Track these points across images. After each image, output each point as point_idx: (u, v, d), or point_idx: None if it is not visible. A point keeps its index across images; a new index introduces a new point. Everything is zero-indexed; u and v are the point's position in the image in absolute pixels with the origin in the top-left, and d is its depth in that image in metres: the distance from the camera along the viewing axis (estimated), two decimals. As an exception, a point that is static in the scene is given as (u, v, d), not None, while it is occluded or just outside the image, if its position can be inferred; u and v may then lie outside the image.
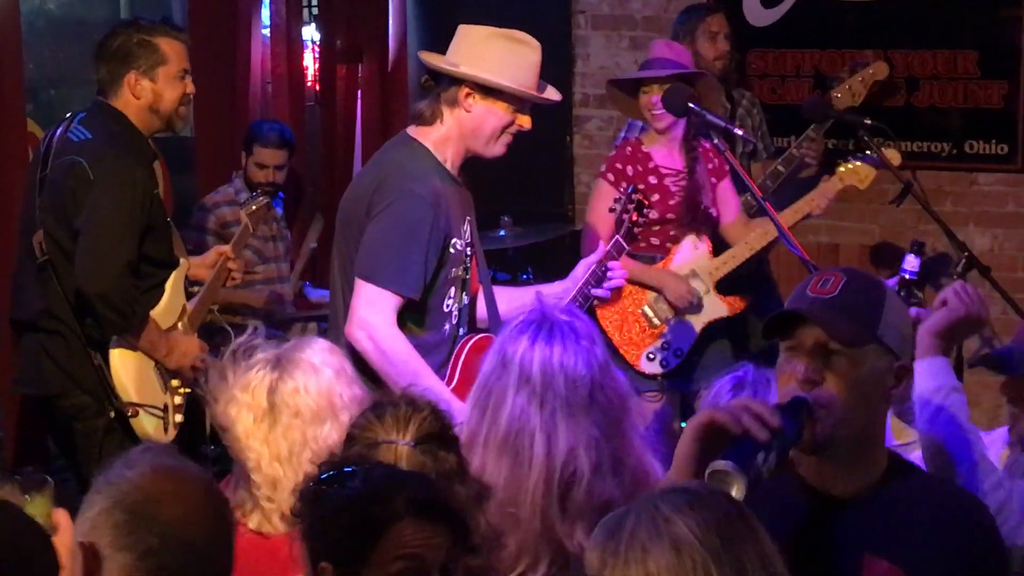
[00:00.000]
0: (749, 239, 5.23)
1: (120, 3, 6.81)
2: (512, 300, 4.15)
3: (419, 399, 2.56)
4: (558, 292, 4.07)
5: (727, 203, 5.31)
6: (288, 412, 2.78)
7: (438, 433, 2.49)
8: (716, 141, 4.04)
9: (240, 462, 2.82)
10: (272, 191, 6.02)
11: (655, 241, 5.20)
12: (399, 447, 2.45)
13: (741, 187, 5.23)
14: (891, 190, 5.43)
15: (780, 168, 5.82)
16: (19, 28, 5.28)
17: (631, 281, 5.14)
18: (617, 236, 4.11)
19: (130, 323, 4.19)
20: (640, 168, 5.15)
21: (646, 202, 4.18)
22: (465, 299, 3.98)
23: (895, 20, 6.30)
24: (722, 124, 4.13)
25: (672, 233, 5.18)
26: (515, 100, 3.82)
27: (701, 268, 5.19)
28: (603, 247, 4.09)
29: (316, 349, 2.90)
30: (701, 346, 5.21)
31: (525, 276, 6.39)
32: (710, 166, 5.23)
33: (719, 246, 5.29)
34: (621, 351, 5.14)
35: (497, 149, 3.89)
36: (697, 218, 5.20)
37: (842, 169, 5.30)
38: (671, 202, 5.15)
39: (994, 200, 6.28)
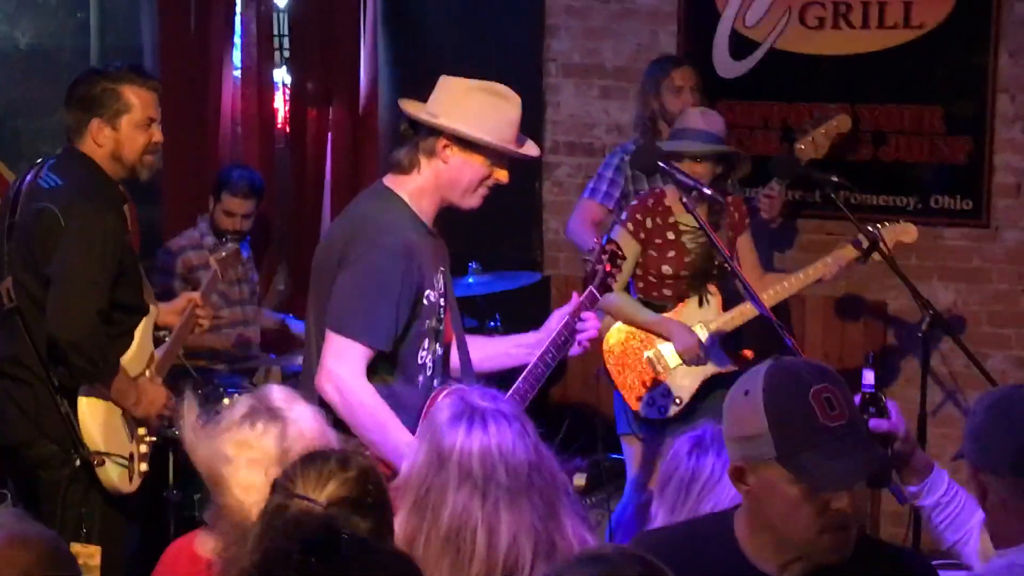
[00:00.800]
0: (744, 308, 5.27)
1: (90, 36, 6.80)
2: (484, 349, 4.15)
3: (353, 458, 2.52)
4: (531, 342, 4.06)
5: (744, 258, 5.36)
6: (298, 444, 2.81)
7: (355, 498, 2.44)
8: (684, 200, 4.07)
9: (238, 522, 2.78)
10: (239, 239, 6.02)
11: (668, 292, 5.27)
12: (310, 505, 2.43)
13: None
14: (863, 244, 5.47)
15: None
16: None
17: (642, 327, 5.19)
18: (591, 287, 4.11)
19: (102, 371, 4.16)
20: (660, 222, 5.20)
21: (619, 253, 4.19)
22: (439, 350, 3.96)
23: (863, 75, 6.35)
24: (691, 183, 4.17)
25: (684, 287, 5.24)
26: (493, 154, 3.82)
27: (709, 322, 5.22)
28: (576, 298, 4.08)
29: (284, 395, 2.92)
30: (703, 396, 5.23)
31: (493, 323, 6.39)
32: (728, 220, 5.28)
33: (730, 299, 5.32)
34: (621, 392, 5.20)
35: (473, 201, 3.89)
36: (710, 272, 5.24)
37: (848, 248, 5.36)
38: (686, 259, 5.21)
39: (959, 255, 6.32)
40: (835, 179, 5.43)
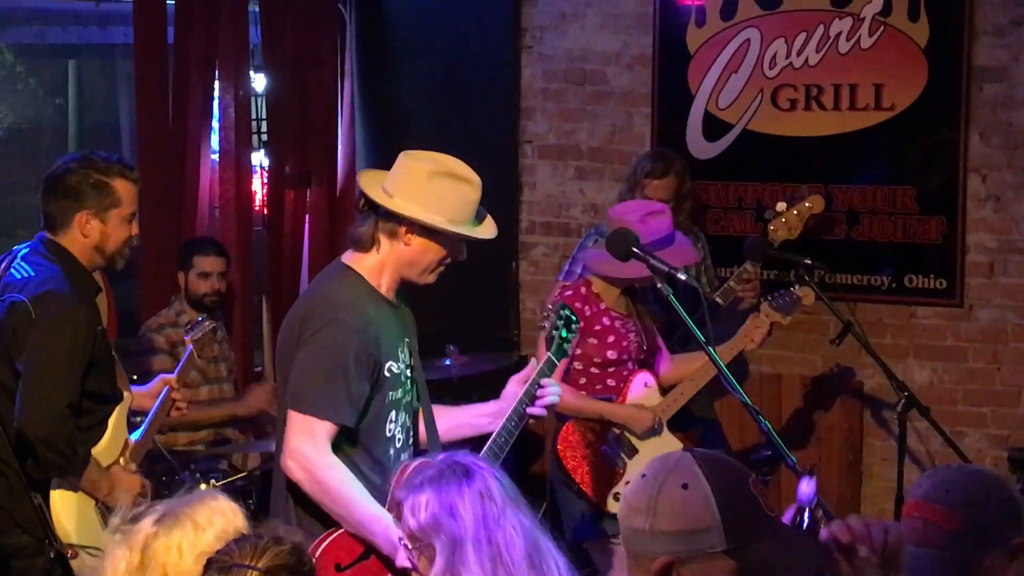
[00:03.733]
0: (694, 375, 5.27)
1: (68, 115, 6.84)
2: (445, 420, 4.14)
3: (286, 536, 2.56)
4: (491, 411, 4.08)
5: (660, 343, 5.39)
6: (157, 571, 2.67)
7: (292, 566, 2.48)
8: (660, 286, 4.08)
9: None
10: (217, 301, 6.05)
11: (611, 383, 5.22)
12: (249, 572, 2.43)
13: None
14: (833, 323, 5.51)
15: (719, 300, 5.88)
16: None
17: (595, 420, 5.17)
18: (548, 353, 4.12)
19: (73, 465, 4.13)
20: (595, 309, 5.19)
21: (575, 317, 4.21)
22: (408, 422, 3.97)
23: (835, 155, 6.42)
24: (666, 269, 4.18)
25: (624, 374, 5.22)
26: (452, 238, 3.85)
27: (653, 407, 5.22)
28: (533, 364, 4.09)
29: (209, 506, 2.77)
30: None
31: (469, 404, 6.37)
32: (655, 309, 5.30)
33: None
34: (589, 494, 5.14)
35: (429, 279, 3.91)
36: (647, 359, 5.25)
37: (764, 307, 5.36)
38: (623, 343, 5.19)
39: (933, 334, 6.36)
40: (808, 261, 5.46)
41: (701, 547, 2.29)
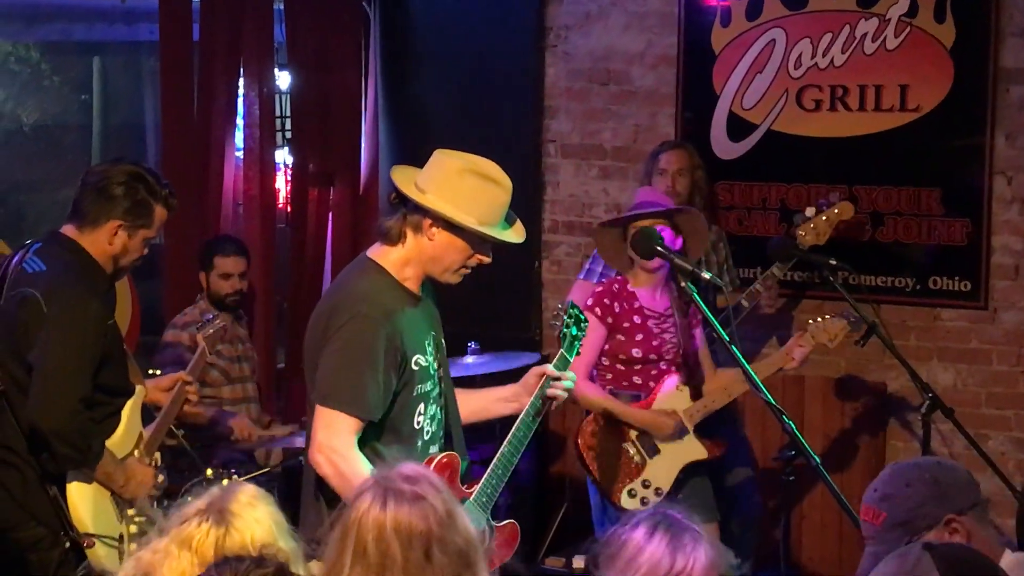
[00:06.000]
0: (728, 386, 5.27)
1: (93, 112, 6.86)
2: (466, 405, 4.18)
3: (270, 560, 2.49)
4: (508, 395, 4.14)
5: (700, 350, 5.37)
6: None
7: None
8: (683, 284, 4.08)
9: None
10: (239, 301, 6.07)
11: (637, 380, 5.24)
12: None
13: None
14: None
15: (744, 303, 5.88)
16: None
17: (618, 417, 5.17)
18: (561, 350, 4.15)
19: (86, 458, 4.15)
20: (626, 306, 5.20)
21: (583, 316, 4.22)
22: (439, 413, 3.99)
23: (860, 156, 6.40)
24: (689, 268, 4.18)
25: (653, 373, 5.23)
26: (477, 238, 3.85)
27: (681, 410, 5.21)
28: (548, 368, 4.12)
29: (251, 498, 2.83)
30: (681, 485, 5.22)
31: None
32: (692, 308, 5.28)
33: (696, 388, 5.33)
34: (602, 487, 5.15)
35: (453, 279, 3.92)
36: (677, 360, 5.25)
37: (812, 325, 5.35)
38: (654, 343, 5.20)
39: (957, 336, 6.33)
40: (833, 262, 5.45)
41: None
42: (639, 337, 5.18)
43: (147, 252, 4.41)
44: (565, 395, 4.10)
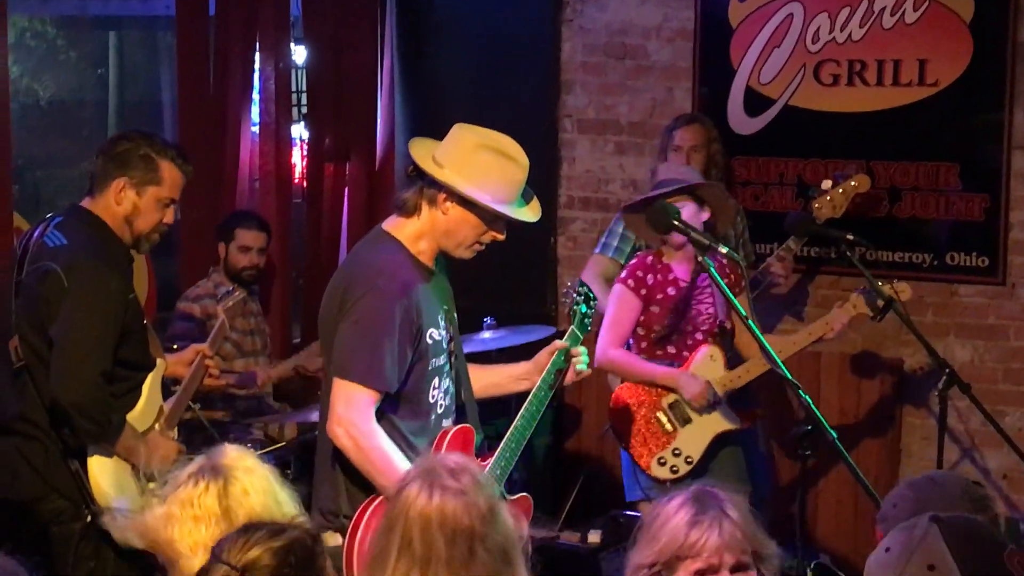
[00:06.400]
0: (762, 357, 5.26)
1: (109, 87, 6.86)
2: (478, 380, 4.20)
3: (289, 529, 2.52)
4: (520, 373, 4.17)
5: (737, 322, 5.36)
6: (244, 513, 2.76)
7: (272, 567, 2.44)
8: (700, 259, 4.08)
9: None
10: (255, 276, 6.08)
11: (671, 350, 5.25)
12: (220, 567, 2.43)
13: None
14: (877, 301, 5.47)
15: (759, 277, 5.86)
16: (8, 117, 5.31)
17: (650, 384, 5.18)
18: (572, 327, 4.15)
19: (107, 432, 4.16)
20: (660, 278, 5.20)
21: (592, 293, 4.24)
22: (452, 387, 4.00)
23: (878, 132, 6.37)
24: (705, 242, 4.18)
25: (689, 343, 5.23)
26: (491, 214, 3.84)
27: (715, 380, 5.21)
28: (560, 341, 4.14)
29: (237, 451, 2.90)
30: (712, 455, 5.22)
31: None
32: (726, 281, 5.27)
33: (732, 359, 5.32)
34: (633, 454, 5.18)
35: (465, 254, 3.92)
36: (712, 330, 5.24)
37: (855, 297, 5.34)
38: (689, 314, 5.20)
39: (975, 312, 6.31)
40: (850, 236, 5.43)
41: None
42: (673, 309, 5.18)
43: (169, 222, 4.38)
44: (587, 371, 4.11)
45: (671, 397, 5.22)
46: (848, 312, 5.30)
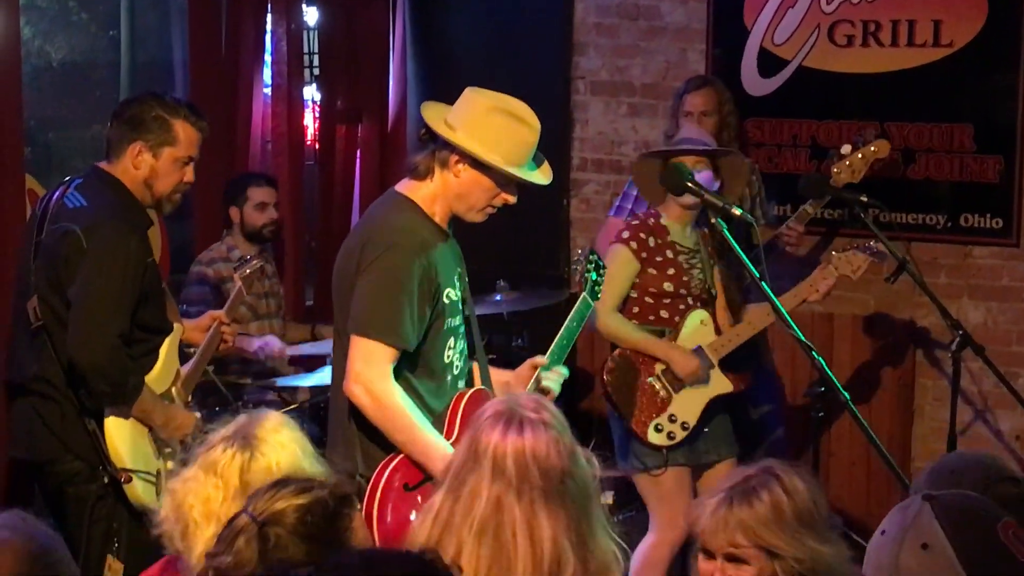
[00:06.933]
0: (752, 318, 5.25)
1: (121, 49, 6.84)
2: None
3: (315, 488, 2.52)
4: (500, 383, 4.11)
5: (730, 283, 5.36)
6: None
7: (293, 522, 2.45)
8: (714, 221, 4.07)
9: (183, 550, 2.74)
10: (276, 231, 6.09)
11: (664, 314, 5.22)
12: (243, 516, 2.45)
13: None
14: (887, 261, 5.46)
15: (773, 241, 5.85)
16: (19, 78, 5.30)
17: (641, 352, 5.17)
18: (583, 294, 4.16)
19: (123, 394, 4.16)
20: (660, 241, 5.19)
21: (602, 261, 4.25)
22: (465, 349, 4.02)
23: (892, 93, 6.34)
24: (720, 204, 4.17)
25: (680, 308, 5.21)
26: (502, 177, 3.84)
27: (706, 345, 5.21)
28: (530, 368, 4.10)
29: (276, 423, 2.87)
30: (706, 419, 5.22)
31: (519, 340, 6.39)
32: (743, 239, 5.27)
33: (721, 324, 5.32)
34: (629, 422, 5.15)
35: (477, 217, 3.92)
36: (703, 295, 5.24)
37: (836, 257, 5.31)
38: (683, 278, 5.19)
39: (988, 274, 6.29)
40: (864, 198, 5.41)
41: None
42: (671, 272, 5.17)
43: (190, 180, 4.38)
44: (557, 390, 4.07)
45: (663, 363, 5.21)
46: (832, 274, 5.27)
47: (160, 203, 4.38)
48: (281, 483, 2.54)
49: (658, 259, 5.18)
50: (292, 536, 2.44)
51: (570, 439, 2.79)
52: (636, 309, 5.24)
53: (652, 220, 5.24)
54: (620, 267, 5.14)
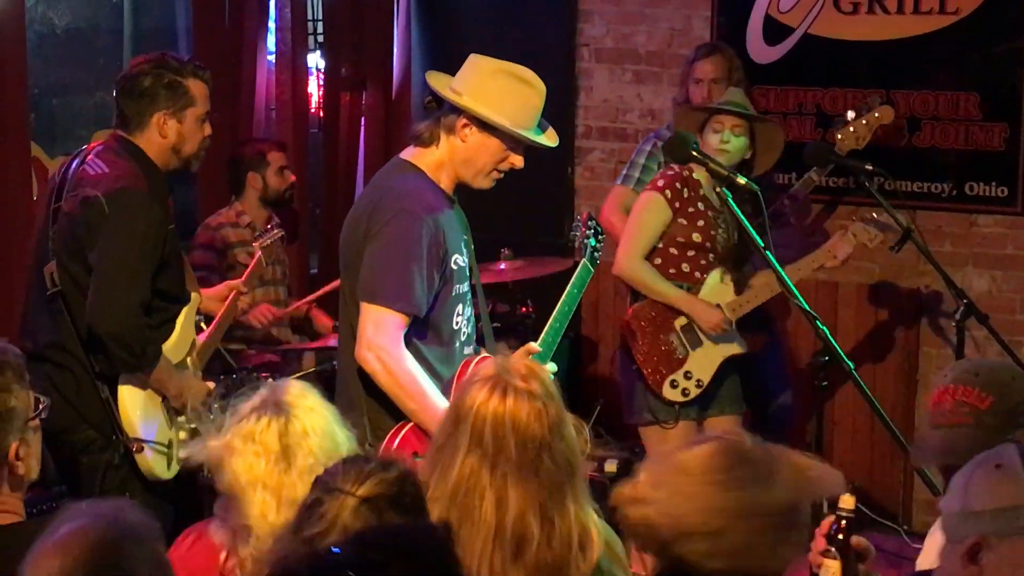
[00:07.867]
0: (771, 283, 5.25)
1: (124, 15, 6.82)
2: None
3: (394, 462, 2.55)
4: None
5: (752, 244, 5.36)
6: (303, 453, 2.82)
7: (391, 496, 2.47)
8: (718, 190, 4.07)
9: (240, 518, 2.83)
10: (293, 197, 6.08)
11: (685, 268, 5.23)
12: (346, 498, 2.46)
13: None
14: (890, 232, 5.45)
15: (779, 209, 5.84)
16: (24, 45, 5.29)
17: (665, 301, 5.18)
18: (583, 260, 4.15)
19: (142, 362, 4.17)
20: (692, 194, 5.19)
21: (601, 228, 4.25)
22: (472, 316, 4.03)
23: (898, 60, 6.32)
24: (724, 172, 4.17)
25: (702, 263, 5.22)
26: (510, 139, 3.84)
27: (724, 303, 5.22)
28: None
29: (300, 389, 2.94)
30: (719, 378, 5.26)
31: (524, 309, 6.40)
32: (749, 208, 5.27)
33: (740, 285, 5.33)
34: (646, 375, 5.18)
35: (485, 183, 3.92)
36: (727, 254, 5.24)
37: (856, 225, 5.31)
38: (712, 231, 5.19)
39: (993, 242, 6.29)
40: (869, 167, 5.40)
41: (1012, 526, 2.26)
42: (700, 223, 5.18)
43: (209, 134, 4.40)
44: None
45: (682, 320, 5.22)
46: (850, 242, 5.27)
47: (189, 163, 4.42)
48: (354, 461, 2.56)
49: (690, 210, 5.19)
50: (394, 507, 2.47)
51: (557, 411, 2.78)
52: (659, 260, 5.25)
53: (687, 172, 5.23)
54: (653, 214, 5.14)
